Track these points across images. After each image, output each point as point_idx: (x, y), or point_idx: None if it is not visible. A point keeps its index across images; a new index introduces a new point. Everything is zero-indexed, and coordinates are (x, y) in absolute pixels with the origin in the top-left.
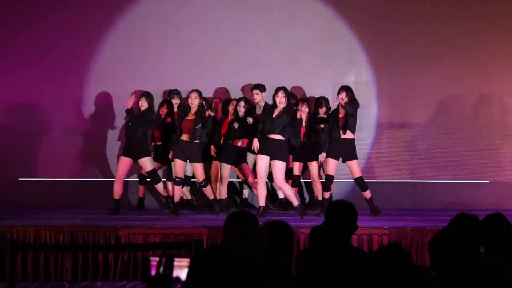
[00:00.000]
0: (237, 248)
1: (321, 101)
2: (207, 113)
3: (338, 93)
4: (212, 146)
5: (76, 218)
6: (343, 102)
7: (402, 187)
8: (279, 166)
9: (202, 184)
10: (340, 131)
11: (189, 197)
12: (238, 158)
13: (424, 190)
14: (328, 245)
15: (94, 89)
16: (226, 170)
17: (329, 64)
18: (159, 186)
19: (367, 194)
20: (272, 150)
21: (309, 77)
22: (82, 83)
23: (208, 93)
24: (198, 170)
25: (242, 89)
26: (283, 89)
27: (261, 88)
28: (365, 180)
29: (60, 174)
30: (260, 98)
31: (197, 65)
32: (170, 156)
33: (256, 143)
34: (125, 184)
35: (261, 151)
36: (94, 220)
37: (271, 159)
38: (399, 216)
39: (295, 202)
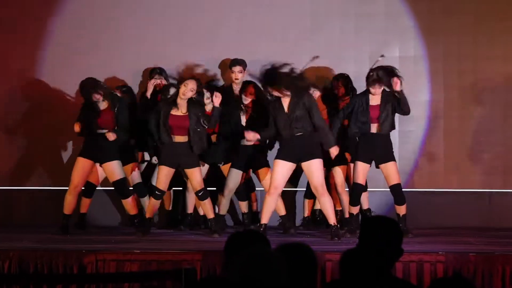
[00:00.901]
0: (243, 279)
1: (339, 79)
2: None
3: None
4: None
5: (25, 239)
6: (398, 88)
7: (464, 199)
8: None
9: (200, 194)
10: (374, 125)
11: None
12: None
13: (494, 202)
14: (362, 276)
15: (48, 72)
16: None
17: (363, 33)
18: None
19: (402, 209)
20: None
21: (336, 51)
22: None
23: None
24: (197, 176)
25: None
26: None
27: (244, 64)
28: (413, 189)
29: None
30: (241, 79)
31: (188, 36)
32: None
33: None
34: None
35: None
36: (50, 242)
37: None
38: (458, 237)
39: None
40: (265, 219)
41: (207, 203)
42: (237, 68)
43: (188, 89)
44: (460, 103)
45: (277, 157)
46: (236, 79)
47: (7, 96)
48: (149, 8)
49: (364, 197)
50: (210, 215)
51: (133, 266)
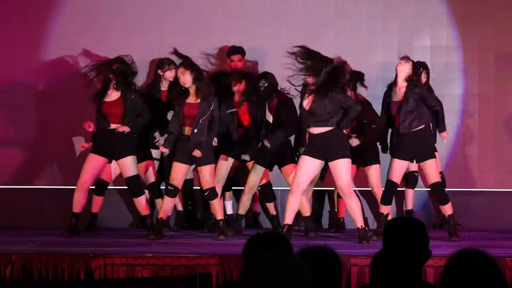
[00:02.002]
0: (262, 285)
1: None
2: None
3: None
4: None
5: (29, 242)
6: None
7: (503, 199)
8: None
9: (207, 194)
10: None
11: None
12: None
13: None
14: (391, 281)
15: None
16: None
17: (392, 20)
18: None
19: (448, 209)
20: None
21: (363, 39)
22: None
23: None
24: (206, 175)
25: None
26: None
27: (243, 52)
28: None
29: (3, 180)
30: (241, 68)
31: (201, 24)
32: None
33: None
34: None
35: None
36: (55, 245)
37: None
38: (495, 241)
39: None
40: (288, 219)
41: (215, 203)
42: (236, 57)
43: (183, 77)
44: (496, 97)
45: (303, 153)
46: (235, 67)
47: (9, 93)
48: None
49: (409, 197)
50: (219, 216)
51: (144, 271)
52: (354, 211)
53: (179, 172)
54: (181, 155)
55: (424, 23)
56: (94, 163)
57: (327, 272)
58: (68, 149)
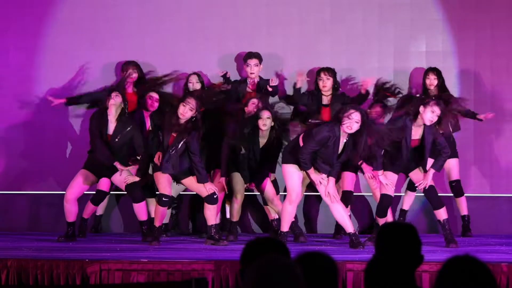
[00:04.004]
0: None
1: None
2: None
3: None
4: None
5: (25, 247)
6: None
7: (499, 204)
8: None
9: (206, 198)
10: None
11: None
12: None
13: None
14: (383, 286)
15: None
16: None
17: (388, 26)
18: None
19: (442, 213)
20: None
21: (358, 45)
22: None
23: (207, 66)
24: (193, 184)
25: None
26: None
27: (260, 58)
28: (442, 194)
29: None
30: (257, 73)
31: (199, 31)
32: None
33: None
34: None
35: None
36: (51, 251)
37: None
38: (490, 246)
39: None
40: (286, 227)
41: (213, 208)
42: (252, 61)
43: (187, 108)
44: (492, 103)
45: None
46: (251, 73)
47: (6, 96)
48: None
49: (408, 198)
50: (212, 221)
51: (140, 277)
52: (342, 216)
53: (164, 180)
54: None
55: (420, 29)
56: (85, 179)
57: (322, 277)
58: (63, 154)
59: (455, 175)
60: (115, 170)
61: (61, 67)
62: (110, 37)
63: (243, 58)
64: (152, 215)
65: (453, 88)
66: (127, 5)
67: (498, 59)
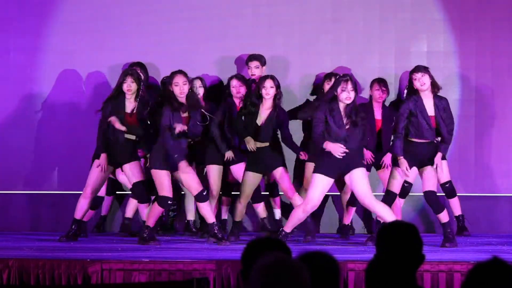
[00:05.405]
0: None
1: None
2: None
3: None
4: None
5: (26, 246)
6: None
7: (500, 204)
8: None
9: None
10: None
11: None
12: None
13: None
14: (384, 286)
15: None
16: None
17: (388, 25)
18: None
19: (444, 216)
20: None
21: (359, 44)
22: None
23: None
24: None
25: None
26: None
27: (262, 60)
28: (441, 194)
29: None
30: (258, 75)
31: (198, 31)
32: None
33: None
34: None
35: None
36: (52, 250)
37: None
38: (491, 246)
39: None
40: (290, 229)
41: (205, 205)
42: (253, 64)
43: (181, 83)
44: (493, 103)
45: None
46: (252, 75)
47: (7, 96)
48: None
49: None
50: (210, 219)
51: (141, 276)
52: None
53: (167, 182)
54: (160, 162)
55: (421, 29)
56: (102, 171)
57: (324, 277)
58: (64, 154)
59: (445, 177)
60: (126, 154)
61: (61, 67)
62: (111, 37)
63: (245, 61)
64: (142, 215)
65: (455, 88)
66: (127, 6)
67: (499, 59)
